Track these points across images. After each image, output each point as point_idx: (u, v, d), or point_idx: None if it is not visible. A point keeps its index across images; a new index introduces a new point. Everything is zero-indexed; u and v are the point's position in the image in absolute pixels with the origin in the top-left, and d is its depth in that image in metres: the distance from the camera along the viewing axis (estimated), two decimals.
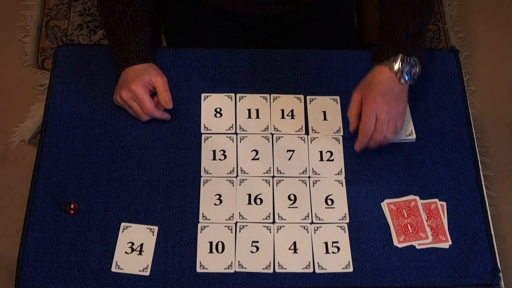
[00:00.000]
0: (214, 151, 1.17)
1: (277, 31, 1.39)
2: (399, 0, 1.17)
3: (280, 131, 1.20)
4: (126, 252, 1.07)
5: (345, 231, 1.11)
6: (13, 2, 2.29)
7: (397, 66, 1.14)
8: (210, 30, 1.38)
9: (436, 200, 1.14)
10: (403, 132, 1.19)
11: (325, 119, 1.22)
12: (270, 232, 1.10)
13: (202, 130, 1.20)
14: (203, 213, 1.11)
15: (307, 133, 1.20)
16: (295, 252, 1.08)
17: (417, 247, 1.09)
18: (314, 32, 1.39)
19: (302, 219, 1.11)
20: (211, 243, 1.08)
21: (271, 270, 1.07)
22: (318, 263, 1.07)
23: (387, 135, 1.14)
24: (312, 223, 1.11)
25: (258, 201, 1.13)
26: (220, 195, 1.13)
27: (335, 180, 1.16)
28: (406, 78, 1.15)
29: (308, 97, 1.24)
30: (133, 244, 1.08)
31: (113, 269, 1.06)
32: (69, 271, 1.05)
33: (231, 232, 1.10)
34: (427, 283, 1.06)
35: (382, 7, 1.20)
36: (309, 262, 1.07)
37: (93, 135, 1.18)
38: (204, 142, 1.18)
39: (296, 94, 1.24)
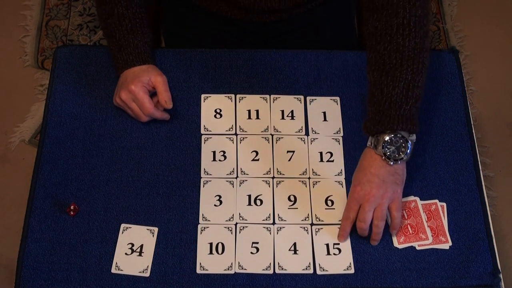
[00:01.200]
0: (214, 152, 1.17)
1: (277, 35, 1.39)
2: (378, 63, 1.07)
3: (280, 132, 1.20)
4: (126, 253, 1.07)
5: None
6: (13, 2, 2.29)
7: (380, 149, 1.06)
8: (209, 33, 1.37)
9: (436, 201, 1.14)
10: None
11: (325, 119, 1.22)
12: (270, 233, 1.10)
13: (202, 131, 1.20)
14: (203, 214, 1.11)
15: (307, 134, 1.20)
16: (295, 253, 1.08)
17: (417, 248, 1.09)
18: (314, 34, 1.38)
19: (302, 220, 1.11)
20: (211, 244, 1.08)
21: (271, 271, 1.07)
22: (319, 264, 1.07)
23: (375, 223, 1.07)
24: (312, 224, 1.11)
25: (258, 202, 1.13)
26: (220, 196, 1.13)
27: (335, 181, 1.15)
28: (392, 162, 1.06)
29: (308, 98, 1.24)
30: (133, 245, 1.08)
31: (113, 270, 1.06)
32: (69, 272, 1.05)
33: (231, 233, 1.10)
34: (427, 284, 1.06)
35: (368, 75, 1.10)
36: (309, 263, 1.07)
37: (93, 136, 1.18)
38: (204, 143, 1.18)
39: (296, 95, 1.24)
